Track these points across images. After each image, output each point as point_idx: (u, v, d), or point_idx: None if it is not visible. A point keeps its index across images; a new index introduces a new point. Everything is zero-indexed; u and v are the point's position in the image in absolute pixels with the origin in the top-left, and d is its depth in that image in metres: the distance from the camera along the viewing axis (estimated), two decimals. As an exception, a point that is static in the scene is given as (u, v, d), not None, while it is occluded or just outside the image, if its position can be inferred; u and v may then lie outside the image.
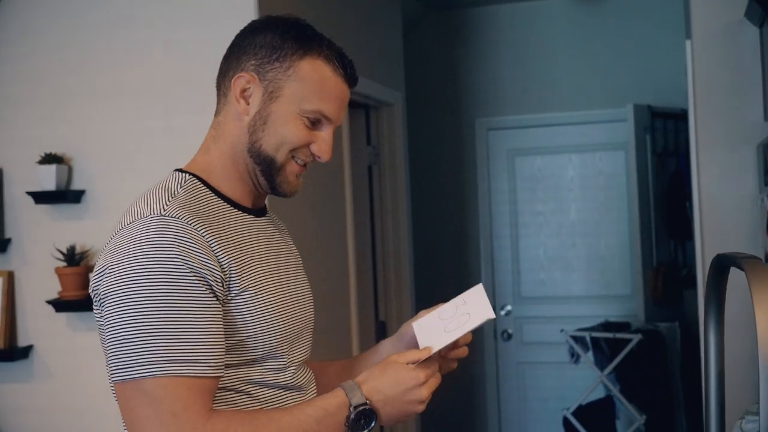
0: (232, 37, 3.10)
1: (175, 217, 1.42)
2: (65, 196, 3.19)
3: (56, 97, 3.28)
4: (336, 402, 1.46)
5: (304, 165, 1.59)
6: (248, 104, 1.55)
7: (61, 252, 3.18)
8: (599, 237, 5.66)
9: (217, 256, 1.43)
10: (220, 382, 1.47)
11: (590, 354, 4.86)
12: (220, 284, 1.43)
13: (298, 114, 1.53)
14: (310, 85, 1.53)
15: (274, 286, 1.55)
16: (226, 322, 1.45)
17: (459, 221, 5.87)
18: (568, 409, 4.82)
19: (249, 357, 1.50)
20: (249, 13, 3.11)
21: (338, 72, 1.55)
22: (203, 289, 1.40)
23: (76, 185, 3.25)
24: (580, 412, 4.80)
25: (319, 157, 1.57)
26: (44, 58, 3.29)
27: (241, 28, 3.09)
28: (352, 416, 1.45)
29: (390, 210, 4.75)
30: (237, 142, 1.56)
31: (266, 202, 1.72)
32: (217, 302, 1.43)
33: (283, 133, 1.53)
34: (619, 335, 4.69)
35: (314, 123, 1.55)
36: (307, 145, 1.56)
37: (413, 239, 5.11)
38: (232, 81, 1.57)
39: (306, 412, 1.45)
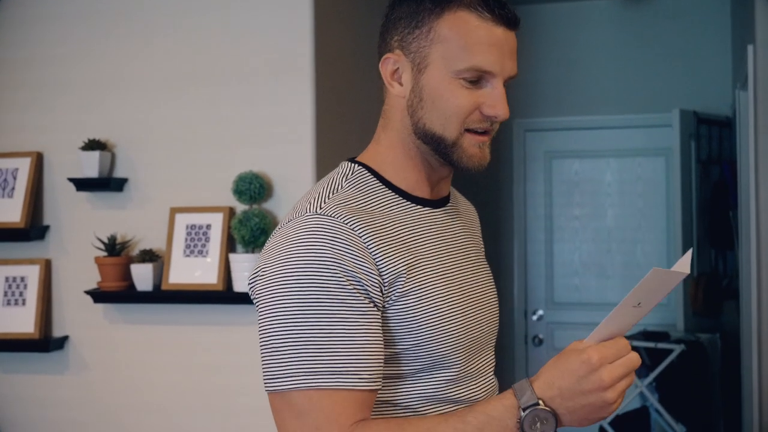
0: (283, 27, 3.04)
1: (330, 216, 1.31)
2: (108, 183, 3.10)
3: (100, 83, 3.19)
4: (502, 405, 1.25)
5: (485, 132, 1.40)
6: (401, 85, 1.41)
7: (102, 241, 3.09)
8: (636, 244, 5.55)
9: (374, 258, 1.30)
10: (380, 395, 1.36)
11: (628, 363, 4.74)
12: (378, 289, 1.30)
13: (453, 78, 1.35)
14: (456, 41, 1.35)
15: (447, 288, 1.40)
16: (386, 330, 1.33)
17: (493, 222, 5.77)
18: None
19: (413, 367, 1.36)
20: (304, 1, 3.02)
21: (486, 17, 1.37)
22: (358, 294, 1.28)
23: (118, 173, 3.16)
24: (617, 421, 4.68)
25: (495, 117, 1.38)
26: (88, 44, 3.20)
27: (294, 16, 3.04)
28: (525, 420, 1.22)
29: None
30: (402, 128, 1.42)
31: (450, 188, 1.60)
32: (374, 309, 1.30)
33: (443, 106, 1.36)
34: (660, 345, 4.57)
35: (476, 82, 1.37)
36: (477, 108, 1.37)
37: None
38: (380, 65, 1.43)
39: (465, 419, 1.26)
